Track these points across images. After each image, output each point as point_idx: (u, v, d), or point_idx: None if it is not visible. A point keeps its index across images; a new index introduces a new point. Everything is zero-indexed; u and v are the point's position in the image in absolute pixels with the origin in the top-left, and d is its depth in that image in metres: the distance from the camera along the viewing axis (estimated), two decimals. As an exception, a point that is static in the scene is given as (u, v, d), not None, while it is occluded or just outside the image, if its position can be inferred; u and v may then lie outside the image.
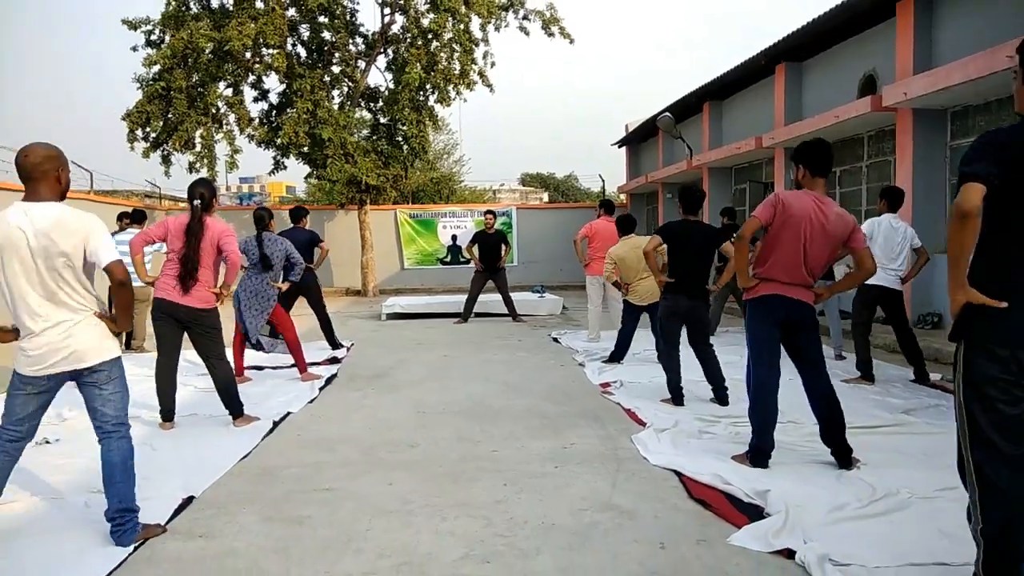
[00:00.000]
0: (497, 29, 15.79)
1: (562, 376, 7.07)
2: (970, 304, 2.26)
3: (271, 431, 5.12)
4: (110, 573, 2.90)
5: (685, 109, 17.06)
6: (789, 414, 4.74)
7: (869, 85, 10.88)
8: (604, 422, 5.23)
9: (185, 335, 5.23)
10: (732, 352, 7.59)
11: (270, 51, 15.37)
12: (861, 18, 10.50)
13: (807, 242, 3.87)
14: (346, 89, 17.04)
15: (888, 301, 6.38)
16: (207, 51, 14.65)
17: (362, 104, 17.30)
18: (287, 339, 6.97)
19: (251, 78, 16.26)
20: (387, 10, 16.19)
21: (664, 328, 5.79)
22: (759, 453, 4.04)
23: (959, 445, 2.43)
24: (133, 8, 16.72)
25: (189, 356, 5.85)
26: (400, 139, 16.90)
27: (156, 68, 14.88)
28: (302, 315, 8.61)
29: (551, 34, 15.74)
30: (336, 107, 16.41)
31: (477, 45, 15.75)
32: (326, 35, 16.42)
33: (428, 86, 15.71)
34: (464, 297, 11.94)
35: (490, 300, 12.00)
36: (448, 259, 20.06)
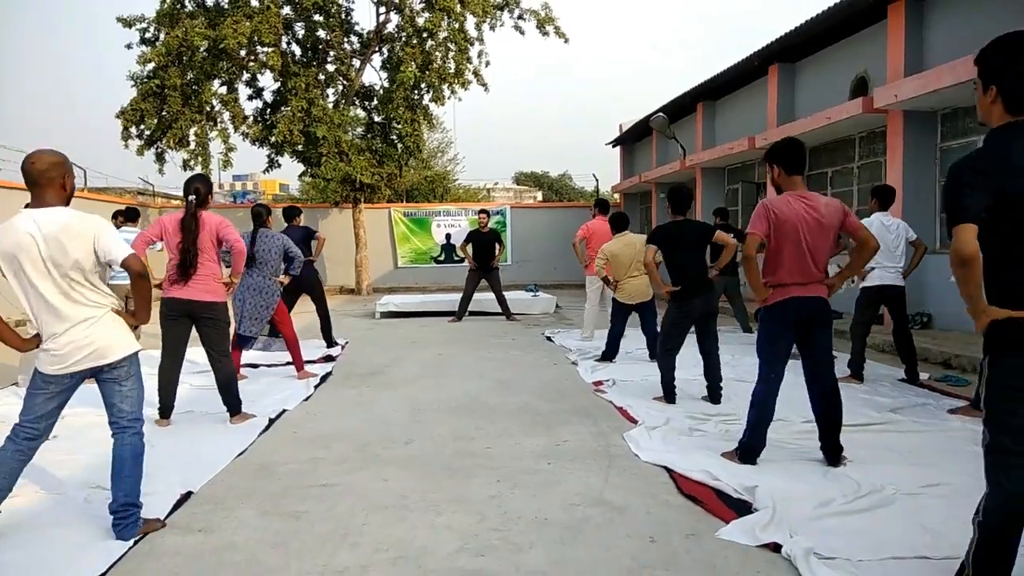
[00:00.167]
0: (492, 28, 15.88)
1: (555, 374, 7.14)
2: (994, 321, 2.30)
3: (267, 428, 5.17)
4: (111, 566, 2.96)
5: (679, 109, 17.15)
6: (779, 412, 4.77)
7: (861, 87, 10.99)
8: (596, 419, 5.30)
9: (192, 333, 5.29)
10: (724, 351, 7.62)
11: (265, 49, 15.39)
12: (853, 20, 10.60)
13: (808, 241, 3.93)
14: (341, 87, 17.09)
15: (892, 298, 6.42)
16: (202, 49, 14.68)
17: (357, 102, 17.34)
18: (285, 336, 7.02)
19: (246, 76, 16.30)
20: (382, 9, 16.26)
21: (670, 332, 5.78)
22: (749, 451, 4.11)
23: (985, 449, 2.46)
24: (129, 6, 16.69)
25: (187, 355, 5.89)
26: (394, 138, 16.96)
27: (151, 66, 14.91)
28: (300, 312, 8.65)
29: (546, 33, 15.82)
30: (331, 105, 16.46)
31: (472, 44, 15.82)
32: (321, 33, 16.46)
33: (423, 85, 15.77)
34: (458, 296, 12.00)
35: (484, 299, 12.06)
36: (442, 258, 20.13)
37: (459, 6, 15.17)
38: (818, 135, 11.42)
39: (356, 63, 17.01)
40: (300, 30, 16.51)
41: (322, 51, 16.66)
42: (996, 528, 2.36)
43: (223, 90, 15.99)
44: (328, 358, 8.21)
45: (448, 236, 20.00)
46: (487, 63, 16.25)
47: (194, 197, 5.07)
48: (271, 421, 5.34)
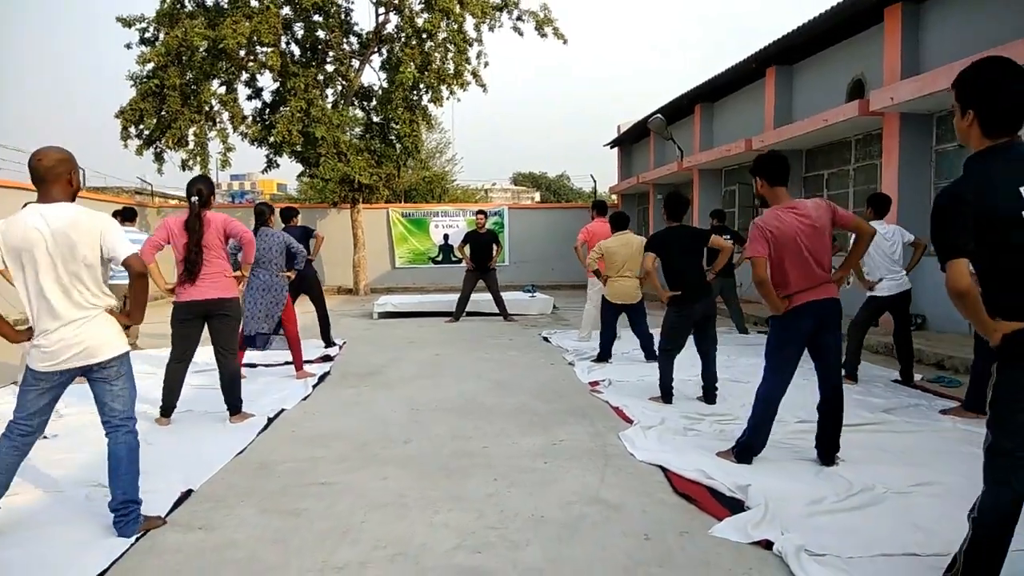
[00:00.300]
0: (491, 29, 15.94)
1: (552, 375, 7.19)
2: (1008, 334, 2.35)
3: (266, 427, 5.21)
4: (113, 563, 3.00)
5: (677, 111, 17.21)
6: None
7: (857, 89, 11.05)
8: (593, 419, 5.35)
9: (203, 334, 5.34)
10: (719, 352, 7.70)
11: (264, 49, 15.43)
12: (850, 23, 10.66)
13: (807, 248, 3.98)
14: (340, 88, 17.13)
15: (899, 304, 6.46)
16: (201, 49, 14.70)
17: (355, 103, 17.38)
18: (288, 333, 7.07)
19: (245, 76, 16.34)
20: (382, 9, 16.29)
21: (671, 334, 5.83)
22: (747, 450, 4.16)
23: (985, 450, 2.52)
24: (129, 6, 16.73)
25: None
26: (393, 138, 16.99)
27: (150, 66, 14.95)
28: (298, 313, 8.67)
29: (544, 35, 15.86)
30: (330, 106, 16.50)
31: (471, 45, 15.87)
32: (320, 34, 16.50)
33: (422, 85, 15.81)
34: (456, 296, 12.04)
35: (482, 299, 12.11)
36: (440, 258, 20.17)
37: (458, 7, 15.22)
38: (815, 137, 11.49)
39: (355, 63, 17.05)
40: (299, 30, 16.55)
41: (321, 51, 16.70)
42: (991, 526, 2.41)
43: (222, 90, 16.03)
44: (326, 358, 8.25)
45: (446, 236, 20.04)
46: (486, 64, 16.33)
47: (197, 198, 5.11)
48: (270, 420, 5.38)
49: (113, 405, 3.31)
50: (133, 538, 3.21)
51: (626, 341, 8.21)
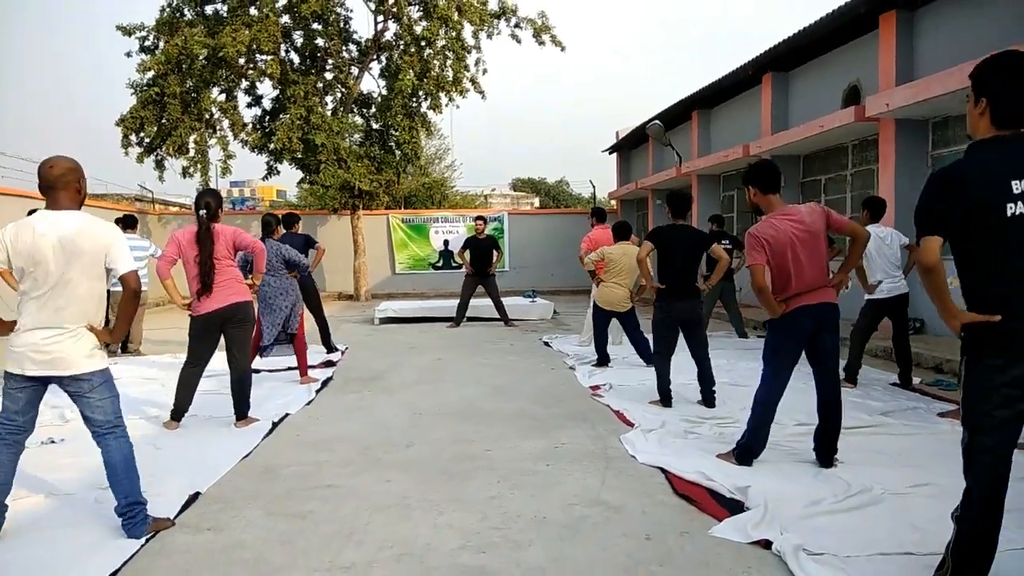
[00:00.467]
0: (489, 37, 15.98)
1: (553, 379, 7.25)
2: (968, 325, 2.44)
3: (271, 432, 5.27)
4: (125, 563, 3.05)
5: (675, 117, 17.30)
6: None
7: (853, 95, 11.13)
8: (594, 423, 5.40)
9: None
10: (719, 356, 7.78)
11: (264, 57, 15.50)
12: (845, 30, 10.75)
13: (803, 253, 4.05)
14: (339, 95, 17.20)
15: (897, 307, 6.52)
16: (201, 57, 14.76)
17: (355, 110, 17.45)
18: (296, 338, 7.14)
19: (244, 84, 16.40)
20: (380, 17, 16.36)
21: (659, 333, 5.93)
22: (747, 452, 4.22)
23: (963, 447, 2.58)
24: (129, 14, 16.83)
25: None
26: (393, 145, 17.06)
27: (150, 74, 15.01)
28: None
29: (542, 42, 15.93)
30: (329, 113, 16.56)
31: (469, 52, 15.94)
32: (320, 42, 16.57)
33: (421, 93, 15.88)
34: (456, 302, 12.10)
35: (482, 304, 12.17)
36: (440, 264, 20.23)
37: (456, 15, 15.30)
38: (811, 143, 11.57)
39: (354, 71, 17.13)
40: (299, 38, 16.62)
41: (321, 59, 16.77)
42: (975, 522, 2.47)
43: (222, 98, 16.09)
44: (328, 363, 8.30)
45: (446, 242, 20.11)
46: (484, 71, 16.39)
47: (205, 212, 5.18)
48: (274, 425, 5.44)
49: (94, 416, 3.33)
50: (143, 539, 3.27)
51: (626, 346, 8.27)
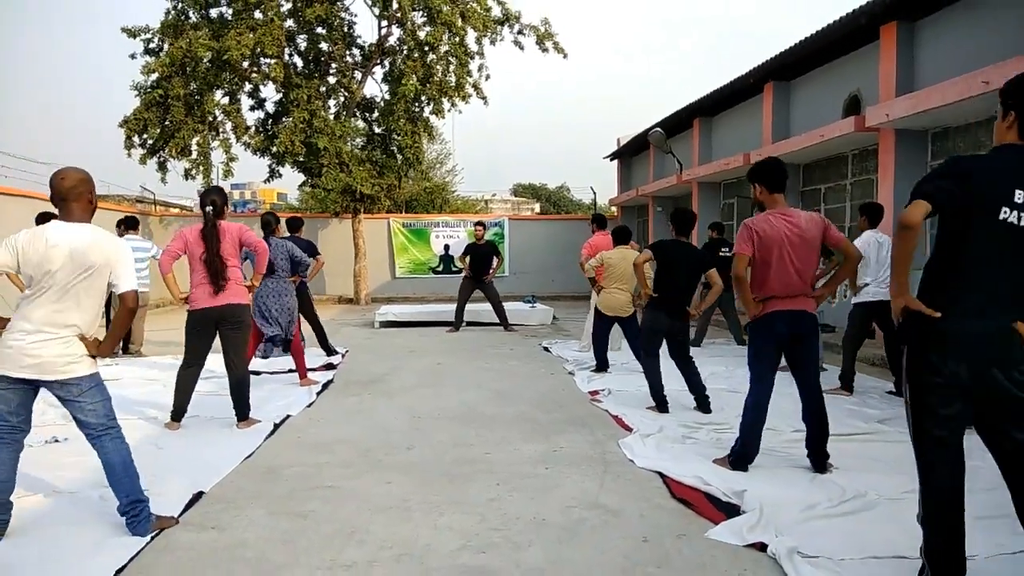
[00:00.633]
0: (492, 43, 16.05)
1: (552, 384, 7.29)
2: (910, 312, 2.51)
3: (272, 433, 5.31)
4: (130, 560, 3.10)
5: (676, 124, 17.38)
6: (769, 422, 4.94)
7: (853, 105, 11.21)
8: (592, 428, 5.45)
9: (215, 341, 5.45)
10: (717, 363, 7.86)
11: (268, 61, 15.58)
12: (846, 40, 10.82)
13: (791, 256, 4.11)
14: (342, 99, 17.27)
15: (884, 313, 6.57)
16: (205, 60, 14.84)
17: (357, 114, 17.52)
18: (293, 342, 7.19)
19: (248, 87, 16.46)
20: (384, 23, 16.45)
21: (645, 339, 6.03)
22: (741, 457, 4.27)
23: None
24: (133, 16, 16.91)
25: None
26: (394, 149, 17.13)
27: (154, 76, 15.06)
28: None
29: (545, 49, 16.00)
30: (332, 117, 16.63)
31: (472, 58, 16.00)
32: (323, 46, 16.65)
33: (423, 98, 15.95)
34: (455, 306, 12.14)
35: (482, 309, 12.23)
36: (440, 268, 20.29)
37: (460, 20, 15.38)
38: (812, 152, 11.63)
39: (358, 75, 17.20)
40: (303, 42, 16.70)
41: (324, 63, 16.85)
42: (938, 517, 2.53)
43: (225, 100, 16.15)
44: (329, 366, 8.35)
45: (446, 247, 20.17)
46: (487, 77, 16.45)
47: (211, 209, 5.24)
48: (276, 426, 5.48)
49: (86, 419, 3.36)
50: (148, 537, 3.31)
51: (625, 352, 8.32)
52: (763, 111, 13.58)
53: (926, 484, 2.55)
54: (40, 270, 3.20)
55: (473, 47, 15.96)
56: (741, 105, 14.98)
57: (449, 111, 16.23)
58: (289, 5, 15.93)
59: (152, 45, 15.65)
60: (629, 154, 22.40)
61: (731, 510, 3.60)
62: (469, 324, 12.16)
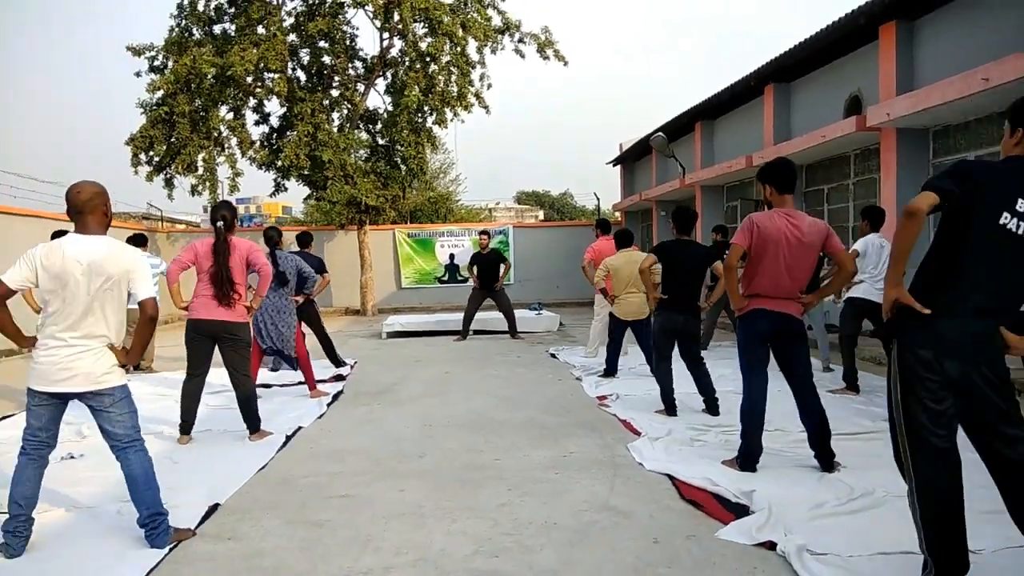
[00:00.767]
0: (493, 52, 16.15)
1: (560, 390, 7.34)
2: (902, 307, 2.56)
3: (284, 444, 5.37)
4: (150, 571, 3.16)
5: (678, 128, 17.45)
6: (776, 423, 5.02)
7: (854, 105, 11.25)
8: (601, 432, 5.50)
9: (216, 353, 5.50)
10: (724, 365, 7.88)
11: (271, 75, 15.72)
12: (846, 41, 10.88)
13: (787, 256, 4.16)
14: (346, 111, 17.40)
15: (875, 314, 6.64)
16: (209, 76, 14.98)
17: (361, 126, 17.65)
18: (298, 355, 7.22)
19: (252, 102, 16.61)
20: (386, 35, 16.57)
21: (657, 343, 6.07)
22: (748, 458, 4.32)
23: (894, 438, 2.70)
24: (137, 35, 17.09)
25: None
26: (398, 160, 17.24)
27: (160, 93, 15.23)
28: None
29: (546, 57, 16.09)
30: (336, 129, 16.76)
31: (474, 68, 16.11)
32: (326, 59, 16.79)
33: (426, 108, 16.05)
34: (462, 315, 12.20)
35: (489, 317, 12.29)
36: (446, 278, 20.36)
37: (461, 31, 15.49)
38: (813, 153, 11.68)
39: (360, 88, 17.33)
40: (305, 56, 16.86)
41: (327, 76, 16.99)
42: (938, 513, 2.57)
43: (230, 116, 16.30)
44: (338, 377, 8.41)
45: (452, 256, 20.25)
46: (489, 86, 16.57)
47: (222, 223, 5.32)
48: (288, 438, 5.54)
49: (114, 431, 3.45)
50: (166, 549, 3.37)
51: (632, 356, 8.36)
52: (764, 113, 13.64)
53: (922, 482, 2.58)
54: (59, 283, 3.27)
55: (474, 57, 16.08)
56: (742, 108, 15.05)
57: (451, 121, 16.35)
58: (292, 20, 16.10)
59: (157, 63, 15.83)
60: (632, 159, 22.48)
61: (740, 510, 3.65)
62: (475, 333, 12.22)
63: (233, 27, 15.65)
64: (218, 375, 5.99)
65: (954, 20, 9.15)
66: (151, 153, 15.76)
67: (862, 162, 11.37)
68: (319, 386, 7.53)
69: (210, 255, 5.31)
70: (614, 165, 23.74)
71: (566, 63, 16.31)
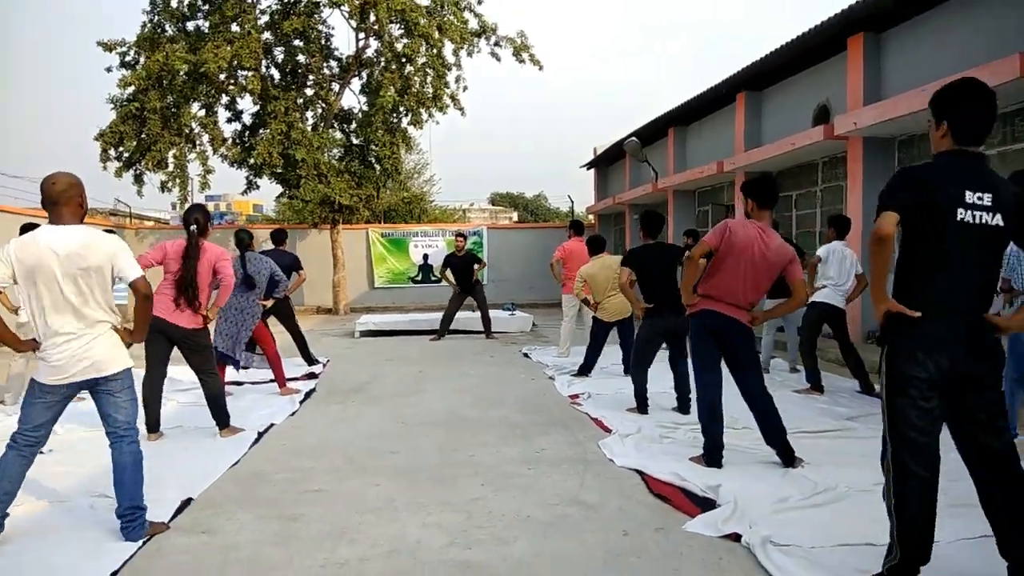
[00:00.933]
0: (469, 55, 16.22)
1: (533, 389, 7.42)
2: (891, 313, 2.67)
3: (257, 441, 5.37)
4: (124, 564, 3.17)
5: (651, 133, 17.63)
6: (743, 420, 5.13)
7: (823, 114, 11.48)
8: (573, 430, 5.58)
9: (175, 352, 5.47)
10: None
11: (245, 73, 15.61)
12: (815, 52, 11.11)
13: (748, 268, 4.28)
14: (320, 110, 17.33)
15: (834, 319, 6.87)
16: (182, 73, 14.84)
17: (335, 125, 17.59)
18: (267, 354, 7.20)
19: (225, 99, 16.47)
20: (362, 35, 16.54)
21: (639, 349, 6.11)
22: (712, 452, 4.43)
23: (884, 436, 2.80)
24: (109, 31, 16.91)
25: (170, 372, 6.04)
26: (373, 160, 17.21)
27: (131, 89, 15.05)
28: (277, 333, 8.81)
29: (522, 60, 16.19)
30: (310, 128, 16.69)
31: (450, 70, 16.16)
32: (301, 58, 16.71)
33: (401, 109, 16.05)
34: (436, 315, 12.23)
35: (462, 317, 12.33)
36: (419, 278, 20.36)
37: (437, 33, 15.52)
38: (783, 160, 11.89)
39: (335, 87, 17.28)
40: (280, 55, 16.76)
41: (302, 75, 16.91)
42: (915, 506, 2.67)
43: (202, 113, 16.16)
44: (311, 375, 8.40)
45: (425, 256, 20.25)
46: (464, 88, 16.63)
47: (195, 227, 5.30)
48: (260, 435, 5.54)
49: (116, 416, 3.49)
50: (140, 542, 3.38)
51: (604, 356, 8.45)
52: (736, 120, 13.86)
53: (903, 476, 2.67)
54: (38, 275, 3.26)
55: (450, 59, 16.13)
56: (715, 114, 15.26)
57: (427, 122, 16.37)
58: (266, 18, 16.01)
59: (128, 58, 15.63)
60: (606, 163, 22.65)
61: (707, 504, 3.75)
62: (449, 333, 12.25)
63: (207, 24, 15.51)
64: (189, 372, 5.95)
65: (920, 33, 9.40)
66: (121, 149, 15.57)
67: (830, 169, 11.60)
68: (291, 384, 7.52)
69: (179, 258, 5.28)
70: (588, 168, 23.91)
71: (541, 67, 16.43)
